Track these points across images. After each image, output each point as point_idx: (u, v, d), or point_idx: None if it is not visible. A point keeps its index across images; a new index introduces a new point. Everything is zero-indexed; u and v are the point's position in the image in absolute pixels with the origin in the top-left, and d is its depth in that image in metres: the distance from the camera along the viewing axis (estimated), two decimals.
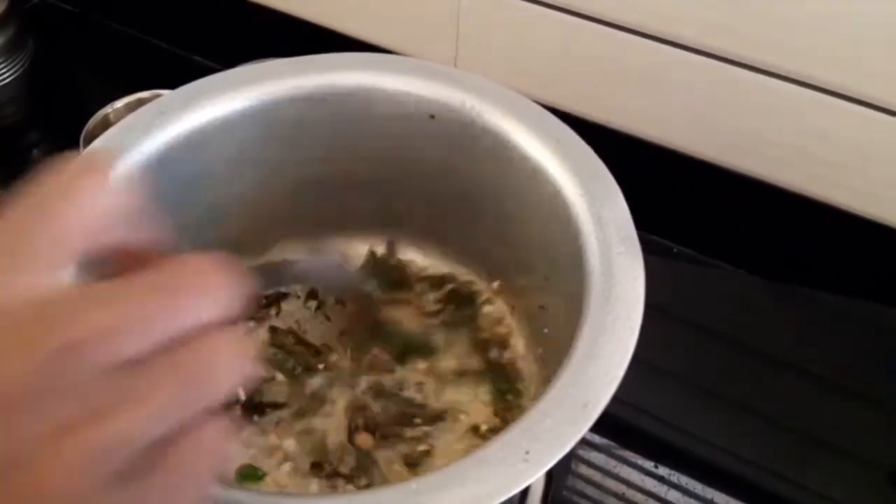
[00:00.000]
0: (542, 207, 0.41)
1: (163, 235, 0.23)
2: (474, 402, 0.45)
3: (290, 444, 0.43)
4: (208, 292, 0.20)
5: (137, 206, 0.22)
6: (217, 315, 0.20)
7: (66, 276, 0.20)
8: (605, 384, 0.31)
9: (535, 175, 0.41)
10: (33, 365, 0.17)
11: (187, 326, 0.19)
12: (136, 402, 0.18)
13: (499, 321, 0.48)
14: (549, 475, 0.48)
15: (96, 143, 0.40)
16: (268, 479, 0.41)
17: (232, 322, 0.20)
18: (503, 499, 0.28)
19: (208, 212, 0.46)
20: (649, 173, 0.55)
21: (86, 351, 0.18)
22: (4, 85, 0.69)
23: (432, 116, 0.44)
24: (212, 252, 0.21)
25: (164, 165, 0.42)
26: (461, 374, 0.46)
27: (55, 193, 0.21)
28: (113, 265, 0.23)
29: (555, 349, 0.38)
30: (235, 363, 0.20)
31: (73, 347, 0.18)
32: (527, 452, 0.29)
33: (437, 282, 0.51)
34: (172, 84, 0.46)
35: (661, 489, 0.49)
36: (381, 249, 0.52)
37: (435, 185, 0.48)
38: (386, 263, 0.51)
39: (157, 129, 0.41)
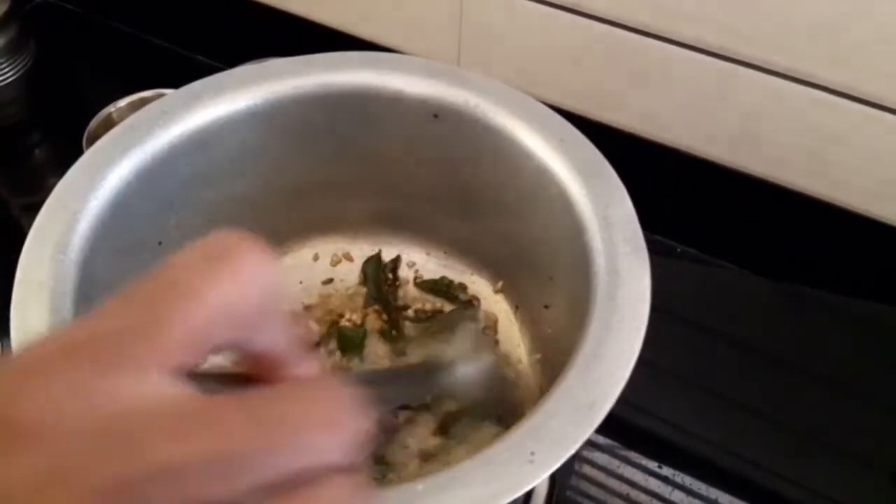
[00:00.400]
0: (547, 207, 0.41)
1: (298, 346, 0.19)
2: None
3: None
4: (336, 431, 0.16)
5: (283, 304, 0.18)
6: (339, 460, 0.16)
7: (187, 383, 0.16)
8: (611, 385, 0.31)
9: (539, 174, 0.41)
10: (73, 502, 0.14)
11: (301, 469, 0.16)
12: None
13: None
14: (553, 476, 0.48)
15: (100, 142, 0.40)
16: None
17: (353, 466, 0.17)
18: (509, 500, 0.28)
19: (211, 211, 0.45)
20: (652, 173, 0.55)
21: (150, 493, 0.14)
22: (7, 85, 0.69)
23: (436, 116, 0.44)
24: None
25: (166, 164, 0.41)
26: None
27: (199, 272, 0.17)
28: (220, 377, 0.19)
29: (559, 349, 0.37)
30: None
31: (130, 486, 0.14)
32: (532, 453, 0.29)
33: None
34: (175, 83, 0.46)
35: (665, 489, 0.48)
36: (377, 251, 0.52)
37: (438, 184, 0.47)
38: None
39: (160, 128, 0.41)
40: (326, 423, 0.16)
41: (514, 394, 0.43)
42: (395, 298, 0.50)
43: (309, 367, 0.19)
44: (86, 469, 0.14)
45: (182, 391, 0.16)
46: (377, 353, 0.47)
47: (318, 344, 0.47)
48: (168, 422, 0.15)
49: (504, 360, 0.46)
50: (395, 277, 0.51)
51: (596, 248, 0.37)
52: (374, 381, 0.36)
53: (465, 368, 0.39)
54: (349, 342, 0.47)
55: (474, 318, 0.48)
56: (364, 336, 0.47)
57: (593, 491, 0.48)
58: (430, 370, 0.39)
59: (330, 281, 0.51)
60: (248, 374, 0.19)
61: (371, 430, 0.17)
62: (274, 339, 0.18)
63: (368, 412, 0.17)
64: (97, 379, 0.15)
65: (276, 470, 0.15)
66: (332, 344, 0.47)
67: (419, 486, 0.28)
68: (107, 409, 0.15)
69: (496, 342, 0.48)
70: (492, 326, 0.48)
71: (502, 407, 0.41)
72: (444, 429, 0.42)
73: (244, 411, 0.16)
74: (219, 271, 0.17)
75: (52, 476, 0.14)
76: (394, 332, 0.48)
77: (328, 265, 0.52)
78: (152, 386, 0.15)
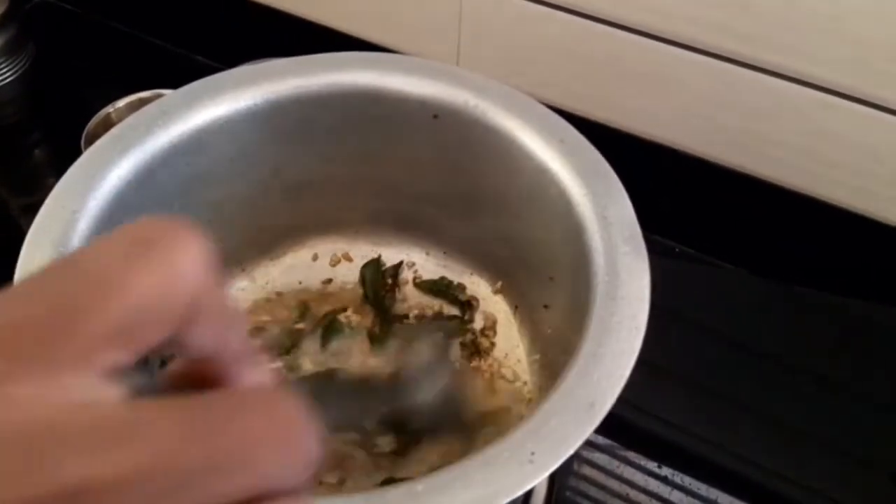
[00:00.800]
0: (547, 207, 0.41)
1: (246, 349, 0.17)
2: None
3: None
4: (286, 450, 0.14)
5: (224, 298, 0.16)
6: (286, 483, 0.14)
7: (113, 385, 0.14)
8: (611, 385, 0.31)
9: (539, 175, 0.41)
10: None
11: (242, 492, 0.14)
12: None
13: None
14: (552, 476, 0.48)
15: (99, 141, 0.40)
16: None
17: (299, 489, 0.15)
18: (509, 500, 0.28)
19: (210, 211, 0.45)
20: (651, 173, 0.55)
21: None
22: (5, 85, 0.69)
23: (436, 116, 0.44)
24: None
25: (166, 164, 0.41)
26: None
27: (123, 258, 0.14)
28: (161, 377, 0.17)
29: (558, 349, 0.37)
30: None
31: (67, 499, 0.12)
32: (532, 453, 0.29)
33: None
34: (173, 84, 0.46)
35: (664, 490, 0.48)
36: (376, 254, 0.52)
37: (438, 184, 0.47)
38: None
39: (160, 128, 0.41)
40: (275, 441, 0.14)
41: (466, 413, 0.42)
42: (393, 303, 0.50)
43: (259, 372, 0.17)
44: (11, 478, 0.12)
45: (104, 396, 0.14)
46: (356, 350, 0.47)
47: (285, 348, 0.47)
48: (84, 433, 0.13)
49: (460, 378, 0.45)
50: (396, 283, 0.51)
51: (595, 248, 0.37)
52: (322, 395, 0.35)
53: (417, 389, 0.38)
54: (334, 330, 0.47)
55: (452, 331, 0.47)
56: (347, 328, 0.48)
57: (593, 492, 0.48)
58: (380, 388, 0.38)
59: (329, 281, 0.51)
60: (197, 379, 0.17)
61: (321, 452, 0.15)
62: (215, 337, 0.16)
63: (319, 431, 0.15)
64: (4, 387, 0.13)
65: (214, 493, 0.13)
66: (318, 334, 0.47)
67: (419, 486, 0.28)
68: (9, 419, 0.13)
69: (487, 348, 0.48)
70: (491, 327, 0.48)
71: (454, 426, 0.40)
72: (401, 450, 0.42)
73: (179, 421, 0.13)
74: (145, 259, 0.14)
75: None
76: (379, 334, 0.48)
77: (328, 265, 0.52)
78: (66, 390, 0.13)
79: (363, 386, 0.42)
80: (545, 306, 0.44)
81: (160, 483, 0.13)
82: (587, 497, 0.48)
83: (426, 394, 0.38)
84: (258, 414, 0.14)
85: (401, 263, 0.51)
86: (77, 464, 0.12)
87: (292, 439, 0.14)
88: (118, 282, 0.14)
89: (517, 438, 0.29)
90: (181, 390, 0.16)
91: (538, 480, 0.28)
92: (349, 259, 0.52)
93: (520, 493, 0.28)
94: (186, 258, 0.15)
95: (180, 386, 0.16)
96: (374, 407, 0.39)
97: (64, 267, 0.14)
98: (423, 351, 0.41)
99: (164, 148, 0.41)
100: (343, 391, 0.40)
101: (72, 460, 0.12)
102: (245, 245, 0.49)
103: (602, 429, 0.30)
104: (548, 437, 0.29)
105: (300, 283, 0.51)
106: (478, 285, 0.50)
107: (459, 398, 0.41)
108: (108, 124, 0.57)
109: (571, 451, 0.29)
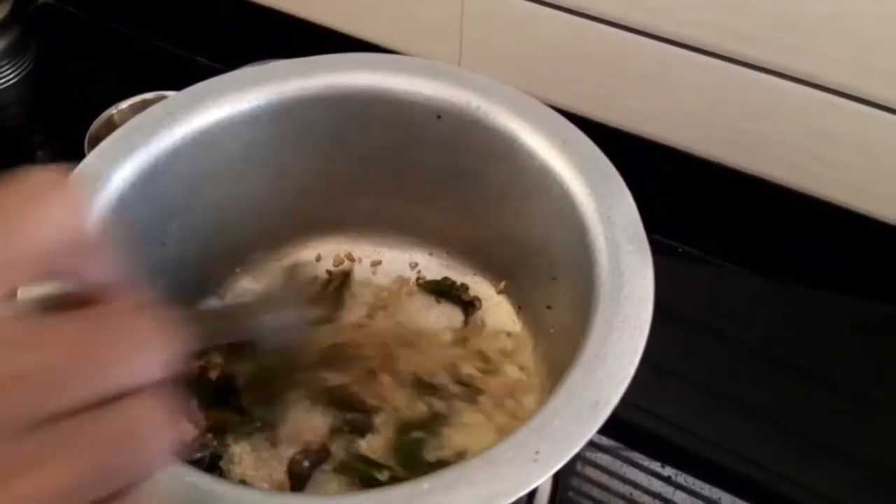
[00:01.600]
0: (550, 207, 0.41)
1: (121, 278, 0.20)
2: None
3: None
4: (146, 348, 0.18)
5: (102, 238, 0.20)
6: (150, 377, 0.18)
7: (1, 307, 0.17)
8: (615, 384, 0.31)
9: (542, 175, 0.41)
10: None
11: (116, 384, 0.17)
12: (45, 467, 0.16)
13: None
14: (556, 477, 0.48)
15: (104, 142, 0.40)
16: None
17: (164, 383, 0.18)
18: (514, 498, 0.28)
19: (214, 212, 0.46)
20: (653, 173, 0.55)
21: None
22: (8, 87, 0.69)
23: (439, 117, 0.44)
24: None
25: (170, 166, 0.42)
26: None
27: (9, 204, 0.17)
28: (50, 300, 0.20)
29: (562, 349, 0.38)
30: (164, 435, 0.18)
31: None
32: (537, 452, 0.29)
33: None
34: (176, 85, 0.46)
35: (667, 490, 0.48)
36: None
37: (441, 184, 0.48)
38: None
39: (164, 129, 0.41)
40: (140, 342, 0.18)
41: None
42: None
43: (135, 295, 0.20)
44: None
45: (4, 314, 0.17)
46: None
47: None
48: (7, 336, 0.16)
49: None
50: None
51: (599, 247, 0.37)
52: (198, 318, 0.36)
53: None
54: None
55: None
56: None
57: (596, 493, 0.48)
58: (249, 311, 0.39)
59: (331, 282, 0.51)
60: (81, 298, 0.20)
61: (181, 352, 0.19)
62: (94, 271, 0.19)
63: (181, 334, 0.19)
64: None
65: (92, 386, 0.17)
66: None
67: (424, 484, 0.28)
68: None
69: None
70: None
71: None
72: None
73: (63, 331, 0.17)
74: (26, 210, 0.17)
75: None
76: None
77: (331, 266, 0.52)
78: None
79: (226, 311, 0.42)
80: (548, 306, 0.44)
81: (48, 379, 0.16)
82: (591, 498, 0.48)
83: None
84: (126, 321, 0.18)
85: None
86: None
87: (156, 341, 0.18)
88: (9, 224, 0.17)
89: (521, 437, 0.29)
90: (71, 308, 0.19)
91: (543, 479, 0.28)
92: (352, 259, 0.52)
93: (525, 491, 0.28)
94: (62, 207, 0.18)
95: (70, 305, 0.19)
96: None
97: None
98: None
99: (169, 149, 0.41)
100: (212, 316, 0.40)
101: None
102: (248, 245, 0.50)
103: (605, 429, 0.30)
104: (552, 437, 0.29)
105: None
106: (481, 286, 0.50)
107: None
108: (110, 126, 0.58)
109: (576, 450, 0.29)
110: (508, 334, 0.48)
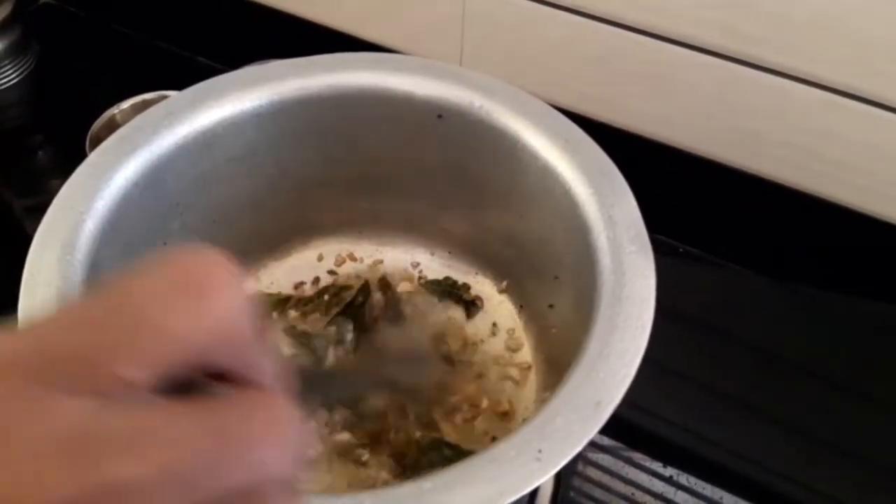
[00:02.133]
0: (552, 207, 0.41)
1: (271, 380, 0.19)
2: None
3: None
4: (283, 447, 0.17)
5: (261, 337, 0.18)
6: (283, 475, 0.17)
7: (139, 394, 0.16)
8: (617, 383, 0.31)
9: (544, 174, 0.41)
10: None
11: (248, 483, 0.16)
12: None
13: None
14: (558, 476, 0.48)
15: (106, 142, 0.40)
16: None
17: (293, 480, 0.17)
18: (516, 497, 0.28)
19: (216, 212, 0.46)
20: (655, 173, 0.55)
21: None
22: (9, 87, 0.69)
23: (440, 116, 0.44)
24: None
25: (172, 166, 0.42)
26: None
27: (163, 301, 0.16)
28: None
29: (564, 349, 0.38)
30: None
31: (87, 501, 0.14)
32: (539, 451, 0.29)
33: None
34: (177, 85, 0.46)
35: (669, 490, 0.48)
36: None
37: (443, 184, 0.48)
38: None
39: (166, 129, 0.41)
40: (274, 439, 0.17)
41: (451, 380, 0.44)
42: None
43: (268, 374, 0.19)
44: (40, 486, 0.14)
45: (137, 405, 0.16)
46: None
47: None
48: (117, 438, 0.15)
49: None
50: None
51: (601, 247, 0.37)
52: (316, 381, 0.36)
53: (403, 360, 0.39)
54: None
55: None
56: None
57: (598, 493, 0.48)
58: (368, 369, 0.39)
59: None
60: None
61: (309, 445, 0.17)
62: (240, 361, 0.18)
63: (308, 428, 0.18)
64: (49, 400, 0.15)
65: (225, 483, 0.16)
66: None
67: (427, 483, 0.28)
68: (61, 428, 0.15)
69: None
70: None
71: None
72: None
73: (198, 423, 0.16)
74: (186, 304, 0.16)
75: (5, 493, 0.14)
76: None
77: (332, 265, 0.52)
78: (105, 405, 0.15)
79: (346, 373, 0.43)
80: (550, 306, 0.44)
81: (183, 475, 0.15)
82: (592, 498, 0.48)
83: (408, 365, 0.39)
84: (261, 413, 0.17)
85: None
86: (118, 463, 0.15)
87: (287, 439, 0.17)
88: (159, 329, 0.16)
89: (524, 437, 0.29)
90: (196, 380, 0.18)
91: (545, 478, 0.28)
92: (354, 259, 0.52)
93: (527, 490, 0.28)
94: (226, 303, 0.16)
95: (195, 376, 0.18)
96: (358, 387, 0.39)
97: (107, 301, 0.16)
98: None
99: (171, 149, 0.41)
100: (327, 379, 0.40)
101: (114, 460, 0.15)
102: (250, 245, 0.50)
103: (606, 429, 0.30)
104: (554, 436, 0.29)
105: (304, 283, 0.51)
106: (483, 285, 0.50)
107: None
108: (112, 126, 0.58)
109: (578, 450, 0.29)
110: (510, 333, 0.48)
